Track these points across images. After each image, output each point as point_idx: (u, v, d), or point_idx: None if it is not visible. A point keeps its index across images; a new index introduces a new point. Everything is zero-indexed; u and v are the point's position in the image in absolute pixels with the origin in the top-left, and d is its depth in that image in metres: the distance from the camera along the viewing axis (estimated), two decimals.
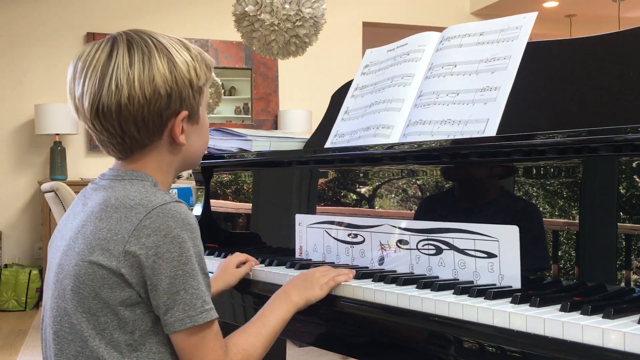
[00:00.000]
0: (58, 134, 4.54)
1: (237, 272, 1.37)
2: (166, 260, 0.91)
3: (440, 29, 1.43)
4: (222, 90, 5.18)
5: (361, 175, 1.37)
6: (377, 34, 5.58)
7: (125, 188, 0.97)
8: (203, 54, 1.03)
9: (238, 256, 1.40)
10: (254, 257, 1.44)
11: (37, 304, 4.36)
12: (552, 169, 1.03)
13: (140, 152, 1.00)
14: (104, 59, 0.96)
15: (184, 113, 0.99)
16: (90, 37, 4.79)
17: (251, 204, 1.66)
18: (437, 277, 1.15)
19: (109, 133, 0.97)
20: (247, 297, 1.40)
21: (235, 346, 0.99)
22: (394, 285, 1.11)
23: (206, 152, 1.77)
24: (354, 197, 1.39)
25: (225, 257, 1.47)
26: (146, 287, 0.93)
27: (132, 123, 0.95)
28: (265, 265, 1.40)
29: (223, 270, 1.37)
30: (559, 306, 0.88)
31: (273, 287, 1.30)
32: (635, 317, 0.81)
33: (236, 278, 1.37)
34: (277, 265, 1.38)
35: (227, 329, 1.07)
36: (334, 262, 1.36)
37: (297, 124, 5.08)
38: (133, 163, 1.01)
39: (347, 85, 1.62)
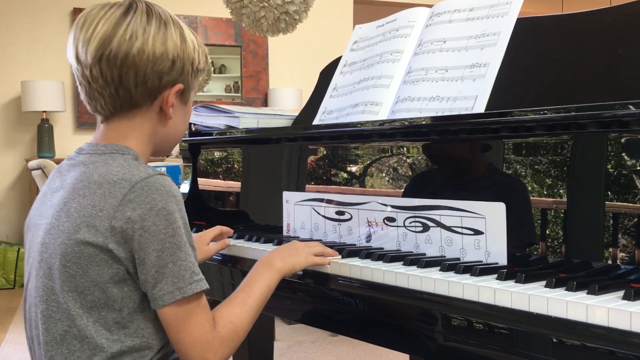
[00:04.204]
0: (45, 111, 4.49)
1: (207, 250, 1.35)
2: (152, 233, 0.90)
3: (432, 6, 1.41)
4: (212, 68, 5.13)
5: (349, 152, 1.36)
6: (368, 10, 5.53)
7: (106, 163, 0.96)
8: (204, 47, 1.07)
9: (211, 231, 1.38)
10: (243, 235, 1.44)
11: None
12: (540, 146, 1.02)
13: (127, 114, 0.99)
14: (118, 14, 0.97)
15: (180, 86, 1.00)
16: (77, 12, 4.72)
17: (239, 181, 1.65)
18: (424, 254, 1.15)
19: (105, 82, 0.96)
20: (236, 274, 1.39)
21: (222, 318, 0.98)
22: (380, 262, 1.11)
23: (194, 129, 1.76)
24: (342, 174, 1.38)
25: None
26: (135, 261, 0.92)
27: (132, 75, 0.96)
28: (253, 242, 1.39)
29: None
30: (544, 282, 0.89)
31: None
32: (620, 293, 0.82)
33: (206, 256, 1.35)
34: (265, 242, 1.37)
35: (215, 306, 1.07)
36: (321, 240, 1.36)
37: (287, 102, 5.05)
38: (114, 131, 1.00)
39: (336, 62, 1.60)
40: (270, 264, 1.11)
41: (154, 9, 0.99)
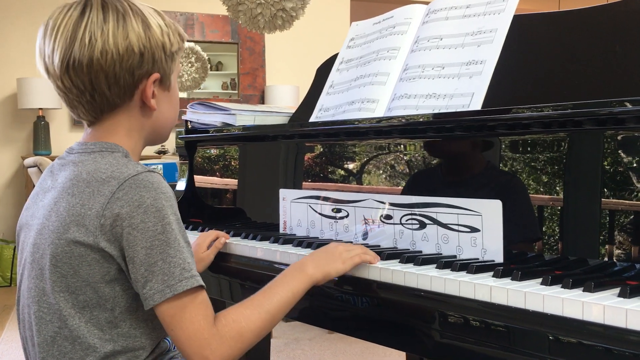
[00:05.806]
0: (41, 109, 4.48)
1: (207, 256, 1.35)
2: (140, 231, 0.89)
3: (428, 3, 1.41)
4: (209, 65, 5.12)
5: (345, 149, 1.36)
6: (364, 7, 5.53)
7: (95, 161, 0.95)
8: (176, 25, 1.04)
9: (208, 236, 1.38)
10: (240, 233, 1.44)
11: None
12: (536, 143, 1.02)
13: (110, 115, 0.98)
14: (76, 16, 0.94)
15: (156, 75, 0.98)
16: None
17: (235, 179, 1.65)
18: (421, 251, 1.15)
19: (78, 90, 0.95)
20: (232, 271, 1.39)
21: (225, 317, 0.93)
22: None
23: (190, 126, 1.76)
24: (338, 171, 1.38)
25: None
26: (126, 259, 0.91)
27: (103, 78, 0.94)
28: (249, 240, 1.39)
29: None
30: (540, 280, 0.88)
31: (256, 262, 1.30)
32: (616, 291, 0.82)
33: (205, 263, 1.35)
34: (261, 239, 1.37)
35: (216, 306, 1.05)
36: (317, 237, 1.36)
37: (284, 100, 5.04)
38: (102, 130, 0.99)
39: (333, 59, 1.60)
40: (302, 269, 1.03)
41: (108, 2, 0.96)
